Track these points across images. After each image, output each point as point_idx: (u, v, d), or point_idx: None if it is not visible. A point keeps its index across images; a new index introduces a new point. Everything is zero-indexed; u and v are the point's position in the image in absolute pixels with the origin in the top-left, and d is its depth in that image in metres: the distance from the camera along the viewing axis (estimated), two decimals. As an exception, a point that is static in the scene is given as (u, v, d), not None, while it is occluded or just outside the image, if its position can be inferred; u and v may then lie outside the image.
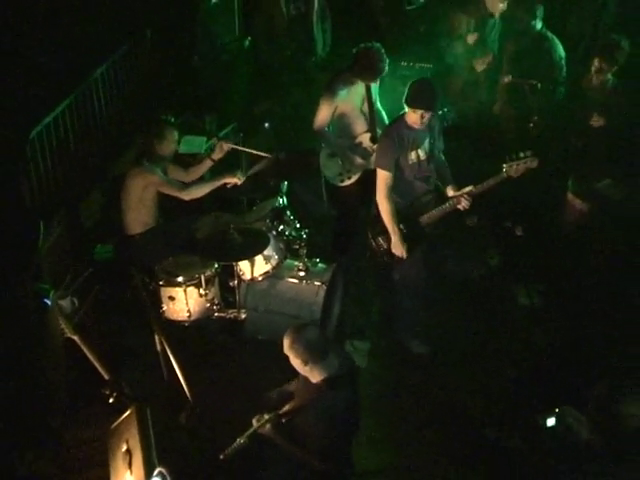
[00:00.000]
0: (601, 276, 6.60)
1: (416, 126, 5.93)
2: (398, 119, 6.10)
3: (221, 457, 4.77)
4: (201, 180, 6.93)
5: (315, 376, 4.73)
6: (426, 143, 6.09)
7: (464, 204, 6.04)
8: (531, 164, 5.87)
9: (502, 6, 8.30)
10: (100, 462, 5.02)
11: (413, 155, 6.06)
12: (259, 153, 6.90)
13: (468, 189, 6.05)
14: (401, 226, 6.11)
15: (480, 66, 8.40)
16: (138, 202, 6.61)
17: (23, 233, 4.85)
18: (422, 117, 5.85)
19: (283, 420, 4.78)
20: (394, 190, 6.08)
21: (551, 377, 6.01)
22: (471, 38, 8.39)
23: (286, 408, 4.84)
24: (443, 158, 6.35)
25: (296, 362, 4.74)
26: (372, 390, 6.23)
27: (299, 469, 4.77)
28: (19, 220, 5.14)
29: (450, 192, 6.18)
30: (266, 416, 4.75)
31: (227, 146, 6.90)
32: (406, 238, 6.12)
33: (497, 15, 8.38)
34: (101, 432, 5.14)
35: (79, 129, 7.80)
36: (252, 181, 6.94)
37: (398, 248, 6.13)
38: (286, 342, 4.75)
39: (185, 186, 6.69)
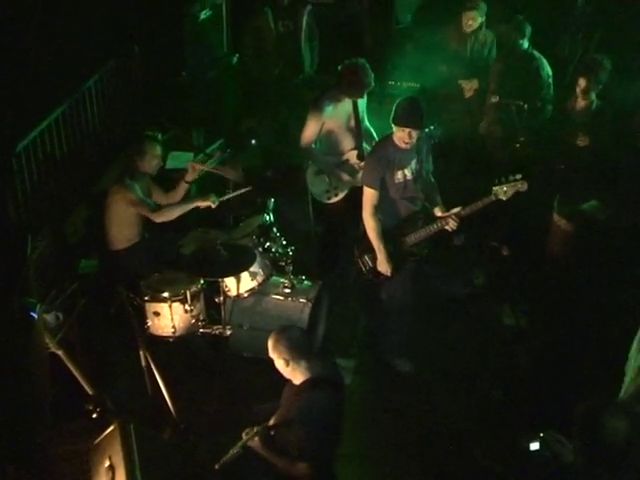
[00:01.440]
0: (586, 296, 6.62)
1: (403, 145, 5.93)
2: (386, 138, 6.12)
3: (216, 467, 4.74)
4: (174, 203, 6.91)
5: (298, 377, 4.76)
6: (413, 163, 6.09)
7: (451, 225, 6.04)
8: (521, 187, 5.87)
9: (471, 23, 8.40)
10: (82, 478, 4.99)
11: (399, 174, 6.05)
12: (228, 176, 6.92)
13: (456, 210, 6.04)
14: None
15: (468, 92, 8.47)
16: (122, 218, 6.62)
17: (11, 246, 4.83)
18: (410, 136, 5.86)
19: (272, 432, 4.77)
20: (379, 209, 6.09)
21: (535, 398, 6.03)
22: (468, 87, 8.48)
23: (273, 419, 4.85)
24: (432, 179, 6.36)
25: (279, 363, 4.77)
26: (356, 408, 6.22)
27: None
28: (6, 234, 5.12)
29: (438, 213, 6.18)
30: (255, 429, 4.74)
31: (199, 167, 6.91)
32: (392, 257, 6.12)
33: (468, 31, 8.47)
34: (84, 447, 5.10)
35: (66, 143, 7.77)
36: (238, 198, 6.95)
37: (384, 266, 6.13)
38: (271, 342, 4.79)
39: (158, 208, 6.68)
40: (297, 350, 4.73)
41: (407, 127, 5.83)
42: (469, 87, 8.47)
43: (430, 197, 6.27)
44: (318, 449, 4.69)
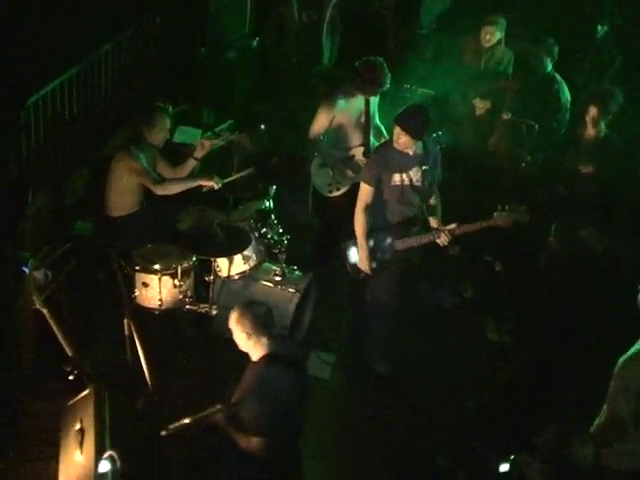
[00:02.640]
0: (573, 322, 6.64)
1: (403, 149, 5.94)
2: (390, 140, 6.13)
3: (162, 433, 4.70)
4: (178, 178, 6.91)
5: (257, 352, 4.79)
6: (415, 170, 6.06)
7: (443, 240, 6.02)
8: (522, 219, 5.89)
9: (489, 38, 8.39)
10: (52, 437, 5.01)
11: (397, 178, 6.04)
12: (240, 174, 6.86)
13: (451, 227, 6.03)
14: (371, 244, 6.12)
15: (480, 111, 8.47)
16: (123, 186, 6.61)
17: (10, 199, 4.83)
18: (400, 136, 5.85)
19: (233, 409, 4.78)
20: (372, 208, 6.11)
21: (508, 416, 6.05)
22: (481, 106, 8.48)
23: (235, 395, 4.85)
24: (436, 190, 6.34)
25: (241, 336, 4.79)
26: (330, 402, 6.28)
27: (245, 463, 4.77)
28: (7, 186, 5.12)
29: (433, 224, 6.19)
30: (218, 406, 4.75)
31: (208, 144, 6.89)
32: (376, 258, 6.15)
33: (486, 46, 8.46)
34: (57, 407, 5.13)
35: (76, 104, 7.75)
36: (241, 180, 6.96)
37: (363, 263, 6.15)
38: (236, 314, 4.82)
39: (161, 181, 6.68)
40: (261, 325, 4.76)
41: (400, 127, 5.83)
42: (482, 106, 8.47)
43: (429, 207, 6.26)
44: (270, 424, 4.68)
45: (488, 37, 8.39)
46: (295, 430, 4.97)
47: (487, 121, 8.51)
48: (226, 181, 6.73)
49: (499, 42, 8.49)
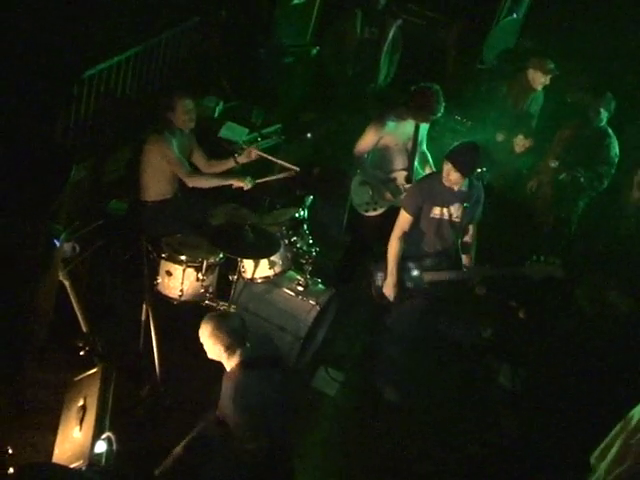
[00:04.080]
0: (587, 380, 6.56)
1: (449, 184, 5.92)
2: (438, 172, 6.10)
3: (156, 473, 4.75)
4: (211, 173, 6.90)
5: (231, 362, 4.80)
6: (456, 205, 6.05)
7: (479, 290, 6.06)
8: (554, 272, 5.84)
9: (543, 80, 8.30)
10: (53, 409, 5.02)
11: (437, 211, 6.04)
12: (286, 165, 6.85)
13: (484, 268, 6.06)
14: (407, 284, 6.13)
15: (519, 148, 8.40)
16: (155, 170, 6.61)
17: (53, 170, 4.84)
18: (449, 174, 5.83)
19: (219, 427, 4.80)
20: (408, 236, 6.10)
21: (508, 462, 5.99)
22: (521, 144, 8.40)
23: (218, 409, 4.87)
24: (474, 229, 6.32)
25: (216, 348, 4.80)
26: (331, 420, 6.24)
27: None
28: (51, 156, 5.14)
29: (466, 261, 6.20)
30: (203, 424, 4.80)
31: (255, 153, 6.85)
32: (403, 287, 6.13)
33: (539, 89, 8.38)
34: (63, 380, 5.15)
35: (130, 84, 7.80)
36: (278, 183, 6.95)
37: (389, 290, 6.13)
38: (210, 327, 4.82)
39: (194, 172, 6.68)
40: (238, 338, 4.79)
41: (452, 164, 5.81)
42: (522, 144, 8.40)
43: (464, 244, 6.24)
44: (258, 429, 4.68)
45: (542, 80, 8.32)
46: (285, 429, 4.95)
47: (528, 163, 8.45)
48: (258, 181, 6.72)
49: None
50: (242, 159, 6.86)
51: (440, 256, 6.17)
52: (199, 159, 6.89)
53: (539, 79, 8.30)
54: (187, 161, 6.73)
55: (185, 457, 4.77)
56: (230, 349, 4.77)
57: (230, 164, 6.91)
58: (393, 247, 6.09)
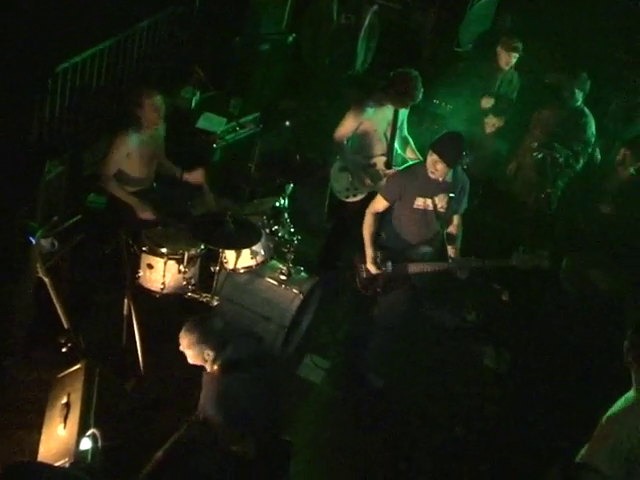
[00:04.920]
0: (571, 358, 6.59)
1: (434, 175, 5.88)
2: (422, 162, 6.06)
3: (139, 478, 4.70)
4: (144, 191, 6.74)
5: (212, 366, 4.75)
6: (441, 196, 6.02)
7: (461, 275, 6.06)
8: (541, 263, 5.82)
9: (508, 59, 8.29)
10: (37, 407, 4.99)
11: (420, 201, 6.01)
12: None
13: (470, 259, 6.04)
14: (389, 266, 6.09)
15: (490, 128, 8.39)
16: (123, 164, 6.52)
17: (28, 165, 4.80)
18: (434, 164, 5.79)
19: (201, 428, 4.76)
20: (387, 228, 6.13)
21: (494, 444, 6.02)
22: (486, 102, 8.38)
23: (199, 411, 4.82)
24: (459, 219, 6.30)
25: (195, 355, 4.74)
26: (317, 407, 6.25)
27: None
28: (26, 151, 5.09)
29: (451, 252, 6.17)
30: (185, 427, 4.78)
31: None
32: (391, 278, 6.12)
33: (506, 68, 8.37)
34: (46, 378, 5.12)
35: (105, 76, 7.73)
36: (261, 174, 6.91)
37: (370, 265, 6.11)
38: (194, 336, 4.72)
39: (112, 180, 6.50)
40: (221, 343, 4.73)
41: (437, 154, 5.77)
42: (492, 123, 8.38)
43: (449, 236, 6.20)
44: (243, 429, 4.68)
45: (507, 59, 8.31)
46: (273, 424, 4.93)
47: (506, 145, 8.46)
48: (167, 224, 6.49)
49: (514, 67, 8.44)
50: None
51: (424, 246, 6.16)
52: (164, 160, 6.83)
53: (504, 58, 8.29)
54: (152, 162, 6.65)
55: (166, 462, 4.72)
56: (212, 354, 4.71)
57: (196, 180, 6.84)
58: (366, 221, 6.13)
